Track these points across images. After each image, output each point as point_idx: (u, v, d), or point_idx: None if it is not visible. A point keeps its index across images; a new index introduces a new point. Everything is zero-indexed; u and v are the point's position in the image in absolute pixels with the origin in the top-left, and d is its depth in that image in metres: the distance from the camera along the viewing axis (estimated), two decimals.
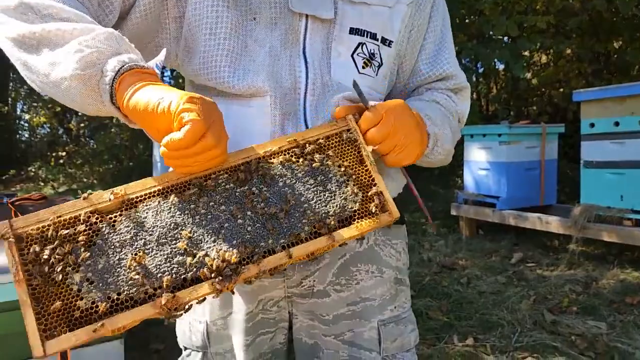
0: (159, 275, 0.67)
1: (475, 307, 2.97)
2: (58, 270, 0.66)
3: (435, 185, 6.45)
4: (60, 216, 0.69)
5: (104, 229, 0.70)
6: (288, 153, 0.81)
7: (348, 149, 0.84)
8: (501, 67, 6.71)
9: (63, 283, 0.65)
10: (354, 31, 0.90)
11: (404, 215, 0.96)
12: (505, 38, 5.36)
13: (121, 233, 0.70)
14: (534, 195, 4.30)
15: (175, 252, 0.69)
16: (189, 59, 0.90)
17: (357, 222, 0.78)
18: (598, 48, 6.12)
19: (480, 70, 6.98)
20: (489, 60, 4.79)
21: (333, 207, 0.77)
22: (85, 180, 9.05)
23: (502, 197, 4.18)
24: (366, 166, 0.82)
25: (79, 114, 9.83)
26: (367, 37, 0.91)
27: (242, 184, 0.76)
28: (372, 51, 0.92)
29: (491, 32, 4.80)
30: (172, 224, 0.71)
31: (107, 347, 1.45)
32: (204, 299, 0.69)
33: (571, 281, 3.30)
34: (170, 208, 0.73)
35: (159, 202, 0.73)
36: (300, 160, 0.81)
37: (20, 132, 12.54)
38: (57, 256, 0.66)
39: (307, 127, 0.87)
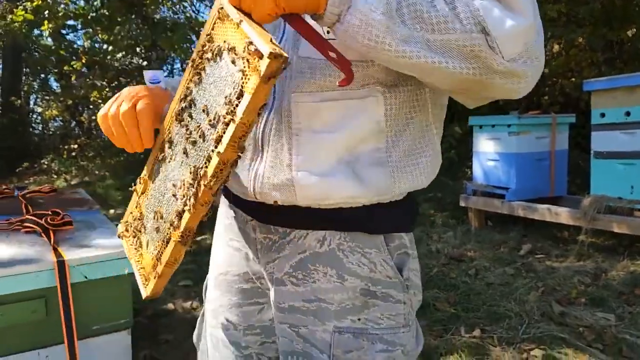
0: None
1: (482, 298, 2.97)
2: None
3: (444, 176, 6.41)
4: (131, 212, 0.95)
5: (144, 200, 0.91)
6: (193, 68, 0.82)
7: (228, 26, 0.75)
8: None
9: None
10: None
11: (381, 224, 0.88)
12: None
13: (148, 198, 0.89)
14: (543, 187, 4.26)
15: (169, 198, 0.82)
16: None
17: (247, 87, 0.69)
18: (610, 36, 6.02)
19: None
20: None
21: (231, 85, 0.72)
22: (97, 172, 9.14)
23: (512, 189, 4.16)
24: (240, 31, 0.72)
25: (91, 107, 9.91)
26: None
27: (179, 117, 0.83)
28: None
29: None
30: (163, 178, 0.86)
31: (114, 337, 1.47)
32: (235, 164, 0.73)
33: (580, 272, 3.28)
34: (160, 168, 0.88)
35: (154, 169, 0.89)
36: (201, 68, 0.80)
37: (33, 125, 12.69)
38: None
39: (266, 120, 0.85)
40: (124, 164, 8.98)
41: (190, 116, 0.79)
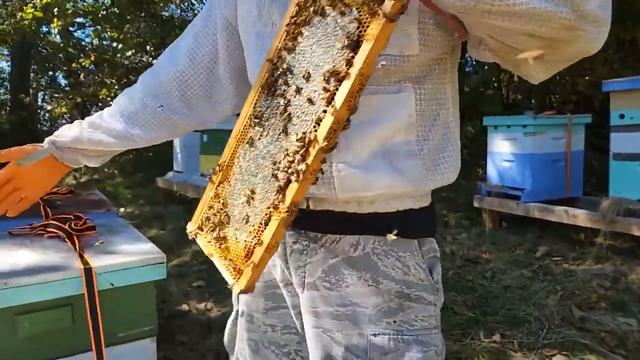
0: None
1: (501, 302, 2.94)
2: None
3: (458, 176, 6.36)
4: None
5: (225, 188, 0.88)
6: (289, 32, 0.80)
7: None
8: None
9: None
10: None
11: (415, 228, 0.90)
12: None
13: (231, 185, 0.87)
14: (559, 187, 4.22)
15: (266, 175, 0.79)
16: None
17: (366, 35, 0.66)
18: (624, 35, 5.95)
19: None
20: None
21: (342, 38, 0.70)
22: (106, 170, 9.15)
23: (527, 190, 4.11)
24: None
25: (99, 104, 9.92)
26: None
27: (271, 90, 0.80)
28: None
29: None
30: (254, 157, 0.82)
31: (140, 344, 1.45)
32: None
33: (599, 276, 3.24)
34: (248, 149, 0.84)
35: (239, 152, 0.86)
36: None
37: (41, 122, 12.73)
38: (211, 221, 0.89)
39: None
40: (132, 162, 9.00)
41: (287, 83, 0.77)
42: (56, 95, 11.23)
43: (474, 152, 6.23)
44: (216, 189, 0.89)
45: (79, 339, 1.33)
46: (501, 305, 2.89)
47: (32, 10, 8.05)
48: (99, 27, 8.08)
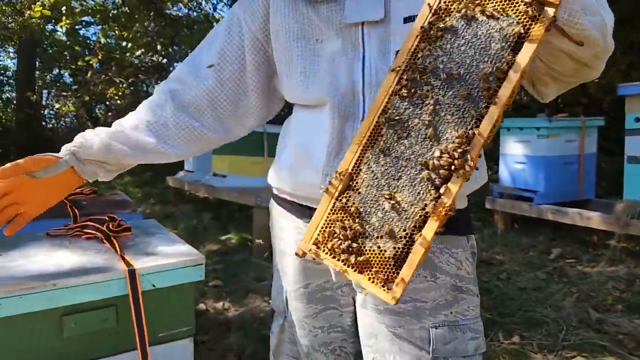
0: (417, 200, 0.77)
1: (517, 303, 2.96)
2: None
3: None
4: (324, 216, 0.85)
5: (352, 197, 0.83)
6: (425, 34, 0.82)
7: None
8: None
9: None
10: (407, 20, 0.95)
11: (464, 226, 1.01)
12: None
13: (362, 193, 0.82)
14: (572, 190, 4.24)
15: (413, 177, 0.78)
16: (280, 84, 1.09)
17: (530, 36, 0.74)
18: (634, 37, 5.97)
19: None
20: None
21: (499, 40, 0.76)
22: None
23: (540, 192, 4.13)
24: None
25: (106, 102, 9.95)
26: None
27: (410, 92, 0.80)
28: None
29: None
30: (393, 161, 0.80)
31: (178, 344, 1.47)
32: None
33: (613, 278, 3.26)
34: (381, 153, 0.82)
35: (368, 157, 0.83)
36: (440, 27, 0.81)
37: (46, 120, 12.75)
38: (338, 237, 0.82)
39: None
40: None
41: (429, 84, 0.79)
42: (64, 93, 11.25)
43: (485, 153, 6.23)
44: (337, 200, 0.84)
45: (123, 339, 1.35)
46: (518, 307, 2.91)
47: (40, 8, 8.07)
48: (106, 25, 8.11)
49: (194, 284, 1.47)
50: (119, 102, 8.93)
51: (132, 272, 1.33)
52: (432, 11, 0.80)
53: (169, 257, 1.45)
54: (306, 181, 1.00)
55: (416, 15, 0.93)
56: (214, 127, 1.10)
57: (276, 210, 1.17)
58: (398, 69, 0.82)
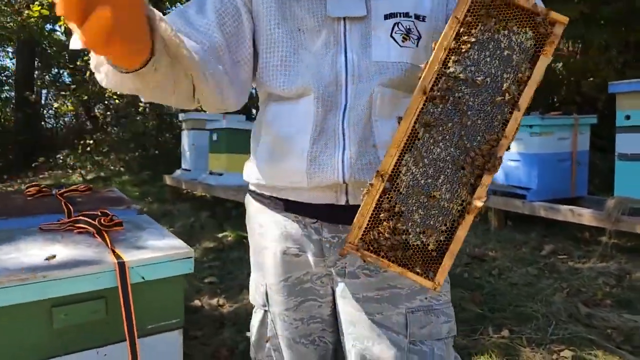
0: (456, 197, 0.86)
1: (508, 299, 2.99)
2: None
3: None
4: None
5: (394, 197, 0.87)
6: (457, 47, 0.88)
7: (499, 8, 0.88)
8: None
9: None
10: (387, 16, 1.00)
11: None
12: None
13: (402, 193, 0.87)
14: (564, 187, 4.27)
15: (450, 176, 0.86)
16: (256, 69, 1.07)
17: (544, 51, 0.85)
18: (630, 37, 5.99)
19: None
20: None
21: (519, 53, 0.86)
22: (112, 167, 9.21)
23: (533, 189, 4.17)
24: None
25: (105, 102, 9.97)
26: (400, 17, 1.00)
27: (443, 99, 0.87)
28: (408, 27, 1.01)
29: None
30: (431, 162, 0.87)
31: (167, 336, 1.50)
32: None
33: (604, 274, 3.29)
34: (419, 156, 0.88)
35: (407, 160, 0.88)
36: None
37: (46, 120, 12.78)
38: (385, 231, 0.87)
39: (344, 113, 0.98)
40: (138, 160, 9.04)
41: (461, 91, 0.87)
42: (63, 93, 11.27)
43: None
44: (379, 201, 0.89)
45: (112, 331, 1.38)
46: (508, 302, 2.94)
47: (39, 8, 8.10)
48: None
49: (183, 277, 1.51)
50: (117, 101, 8.96)
51: (121, 265, 1.36)
52: (460, 23, 0.88)
53: (158, 251, 1.48)
54: (289, 169, 1.02)
55: (397, 13, 1.00)
56: (226, 78, 0.96)
57: (254, 206, 1.18)
58: (429, 76, 0.89)
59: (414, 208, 0.87)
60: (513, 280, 3.29)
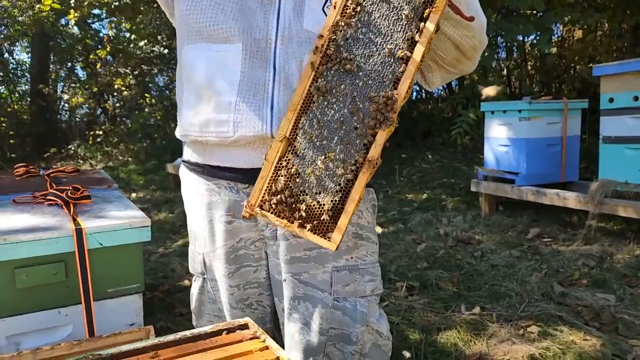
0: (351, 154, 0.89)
1: (485, 278, 3.05)
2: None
3: (459, 162, 6.45)
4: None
5: (292, 160, 0.92)
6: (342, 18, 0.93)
7: None
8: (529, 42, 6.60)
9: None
10: None
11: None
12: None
13: (299, 155, 0.92)
14: (555, 172, 4.28)
15: (344, 137, 0.89)
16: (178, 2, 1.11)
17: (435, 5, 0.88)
18: (629, 22, 5.93)
19: (502, 46, 6.86)
20: (513, 34, 4.73)
21: (408, 8, 0.90)
22: (120, 157, 9.41)
23: (522, 174, 4.19)
24: None
25: (115, 94, 10.18)
26: None
27: (335, 61, 0.92)
28: None
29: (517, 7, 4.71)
30: (325, 124, 0.91)
31: (127, 299, 1.60)
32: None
33: (585, 256, 3.32)
34: (314, 118, 0.92)
35: (302, 123, 0.93)
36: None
37: (60, 112, 13.06)
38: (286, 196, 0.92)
39: (275, 72, 1.02)
40: (146, 150, 9.23)
41: (352, 53, 0.91)
42: (73, 85, 11.52)
43: (475, 138, 6.30)
44: (277, 163, 0.93)
45: (72, 293, 1.49)
46: (485, 282, 3.00)
47: (50, 1, 8.28)
48: (115, 18, 8.30)
49: (140, 245, 1.61)
50: (125, 92, 9.14)
51: (79, 231, 1.47)
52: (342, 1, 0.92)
53: (117, 219, 1.59)
54: (215, 118, 1.04)
55: None
56: None
57: (187, 176, 1.24)
58: (324, 41, 0.93)
59: (310, 170, 0.91)
60: (494, 262, 3.34)
